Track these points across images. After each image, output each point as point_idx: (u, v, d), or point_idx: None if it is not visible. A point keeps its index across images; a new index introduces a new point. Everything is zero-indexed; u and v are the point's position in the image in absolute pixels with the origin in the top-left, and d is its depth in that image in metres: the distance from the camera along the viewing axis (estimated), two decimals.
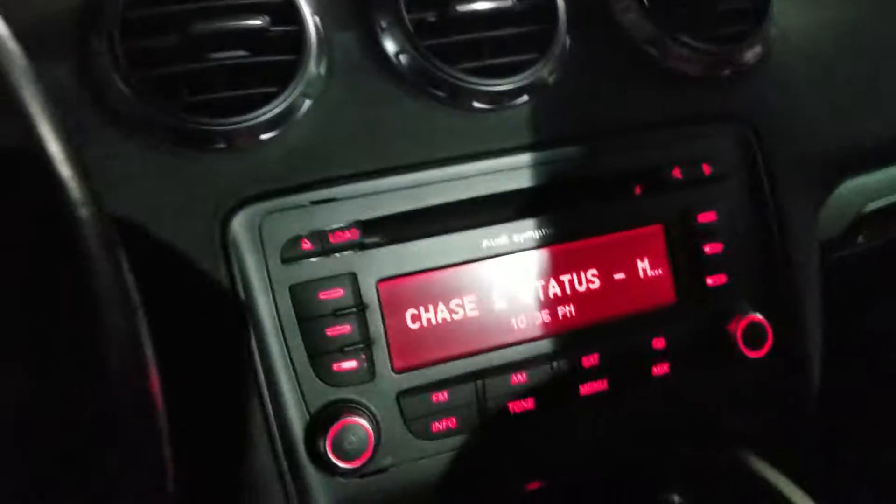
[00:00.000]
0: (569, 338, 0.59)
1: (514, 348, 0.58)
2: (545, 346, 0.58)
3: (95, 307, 0.30)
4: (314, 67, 0.55)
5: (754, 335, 0.60)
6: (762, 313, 0.61)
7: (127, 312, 0.31)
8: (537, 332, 0.58)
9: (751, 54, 0.65)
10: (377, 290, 0.55)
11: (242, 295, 0.52)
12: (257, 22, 0.53)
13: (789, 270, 0.64)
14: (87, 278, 0.30)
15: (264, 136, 0.53)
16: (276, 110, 0.53)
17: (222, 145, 0.53)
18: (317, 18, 0.56)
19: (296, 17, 0.55)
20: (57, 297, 0.30)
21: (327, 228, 0.54)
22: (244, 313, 0.53)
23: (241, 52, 0.53)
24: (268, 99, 0.53)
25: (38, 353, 0.30)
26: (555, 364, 0.58)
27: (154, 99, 0.51)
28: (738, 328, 0.60)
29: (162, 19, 0.52)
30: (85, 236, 0.30)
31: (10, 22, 0.32)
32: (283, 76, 0.53)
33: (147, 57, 0.52)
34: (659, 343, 0.60)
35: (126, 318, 0.31)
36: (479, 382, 0.57)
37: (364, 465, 0.53)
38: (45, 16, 0.53)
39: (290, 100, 0.53)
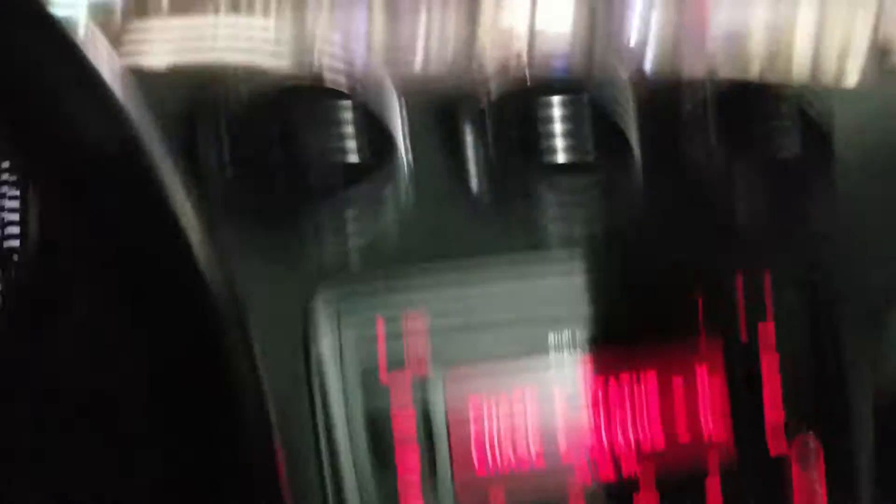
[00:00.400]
0: (622, 465, 0.59)
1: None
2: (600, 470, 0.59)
3: (234, 398, 0.32)
4: (403, 171, 0.54)
5: (807, 455, 0.61)
6: (814, 433, 0.62)
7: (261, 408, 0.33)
8: (591, 451, 0.58)
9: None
10: (443, 382, 0.55)
11: (315, 375, 0.52)
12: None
13: (843, 390, 0.65)
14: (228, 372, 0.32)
15: (350, 227, 0.53)
16: (363, 205, 0.52)
17: (310, 231, 0.52)
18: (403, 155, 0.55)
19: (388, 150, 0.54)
20: (198, 393, 0.31)
21: (400, 313, 0.54)
22: (315, 391, 0.53)
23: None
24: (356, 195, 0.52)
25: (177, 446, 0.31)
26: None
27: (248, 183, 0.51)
28: (792, 448, 0.61)
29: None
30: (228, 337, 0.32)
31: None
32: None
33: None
34: (713, 484, 0.60)
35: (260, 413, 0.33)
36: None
37: None
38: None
39: (377, 195, 0.53)
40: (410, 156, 0.55)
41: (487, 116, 0.56)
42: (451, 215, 0.56)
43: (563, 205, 0.58)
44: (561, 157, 0.57)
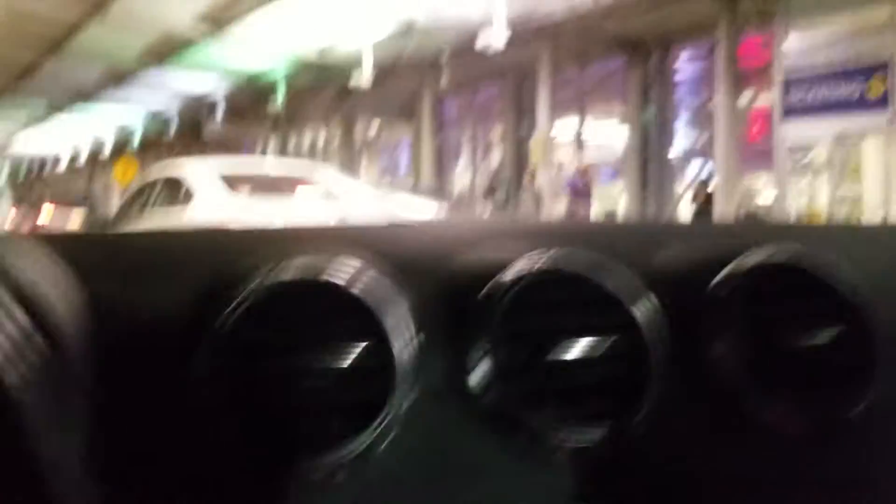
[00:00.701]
0: None
1: None
2: None
3: None
4: (398, 407, 0.53)
5: None
6: None
7: None
8: None
9: (855, 412, 0.61)
10: None
11: None
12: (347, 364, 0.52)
13: None
14: None
15: (340, 474, 0.52)
16: (356, 449, 0.51)
17: (300, 478, 0.52)
18: (408, 351, 0.54)
19: (387, 358, 0.53)
20: None
21: None
22: None
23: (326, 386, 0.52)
24: (349, 437, 0.51)
25: None
26: None
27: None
28: None
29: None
30: None
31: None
32: (368, 414, 0.52)
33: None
34: None
35: None
36: None
37: None
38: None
39: (369, 440, 0.51)
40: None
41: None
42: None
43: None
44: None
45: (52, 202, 15.90)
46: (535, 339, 0.56)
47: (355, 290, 0.52)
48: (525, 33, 12.18)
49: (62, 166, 33.49)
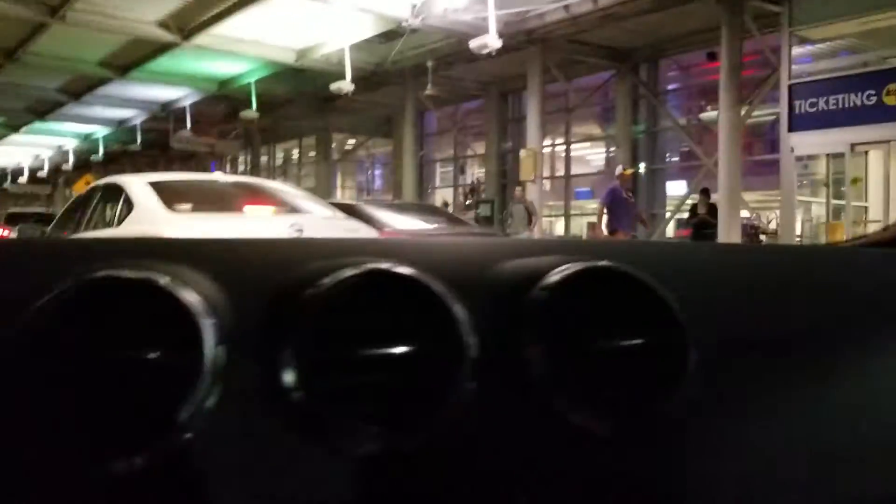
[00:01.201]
0: None
1: None
2: None
3: None
4: (203, 403, 0.54)
5: None
6: None
7: None
8: None
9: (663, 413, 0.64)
10: None
11: None
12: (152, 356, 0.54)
13: None
14: None
15: (147, 470, 0.52)
16: (162, 446, 0.53)
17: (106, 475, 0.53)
18: (220, 349, 0.55)
19: (196, 351, 0.54)
20: None
21: None
22: None
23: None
24: (152, 435, 0.52)
25: None
26: None
27: None
28: None
29: None
30: None
31: None
32: (171, 410, 0.53)
33: None
34: None
35: None
36: None
37: None
38: None
39: (170, 437, 0.53)
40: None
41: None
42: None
43: None
44: None
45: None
46: (346, 340, 0.59)
47: (170, 289, 0.54)
48: (514, 41, 11.57)
49: (24, 178, 32.52)
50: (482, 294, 0.63)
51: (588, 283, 0.63)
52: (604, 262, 0.65)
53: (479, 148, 18.31)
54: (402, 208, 8.59)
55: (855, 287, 0.82)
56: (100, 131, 25.69)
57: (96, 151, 26.38)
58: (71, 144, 27.70)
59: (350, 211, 7.75)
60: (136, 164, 25.27)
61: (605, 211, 9.04)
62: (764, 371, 0.71)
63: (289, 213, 5.32)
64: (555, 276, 0.63)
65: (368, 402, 0.58)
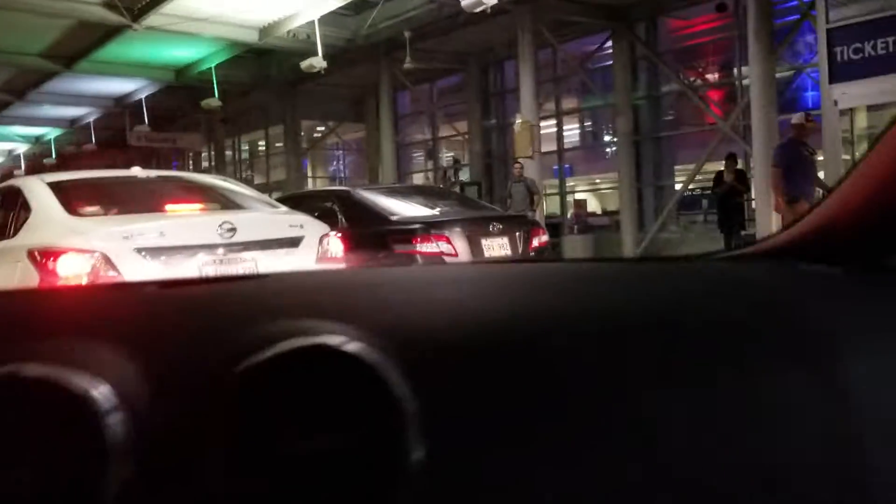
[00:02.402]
0: None
1: None
2: None
3: None
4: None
5: None
6: None
7: None
8: None
9: None
10: None
11: None
12: None
13: None
14: None
15: None
16: None
17: None
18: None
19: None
20: None
21: None
22: None
23: None
24: None
25: None
26: None
27: None
28: None
29: None
30: None
31: None
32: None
33: None
34: None
35: None
36: None
37: None
38: None
39: None
40: None
41: None
42: None
43: None
44: None
45: None
46: None
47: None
48: (501, 2, 10.30)
49: None
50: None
51: (289, 368, 0.54)
52: (309, 341, 0.54)
53: (458, 128, 17.09)
54: (404, 192, 7.28)
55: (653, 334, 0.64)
56: (51, 132, 24.35)
57: (49, 155, 24.96)
58: (21, 149, 26.22)
59: (345, 199, 6.57)
60: (94, 165, 23.79)
61: (781, 174, 6.90)
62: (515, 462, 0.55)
63: (220, 210, 4.61)
64: (250, 361, 0.53)
65: None
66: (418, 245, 5.62)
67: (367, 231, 5.90)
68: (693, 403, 0.59)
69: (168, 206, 4.49)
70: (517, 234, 6.19)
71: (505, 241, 6.00)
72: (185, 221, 4.31)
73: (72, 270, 3.61)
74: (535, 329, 0.61)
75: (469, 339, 0.59)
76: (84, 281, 3.54)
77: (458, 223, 5.94)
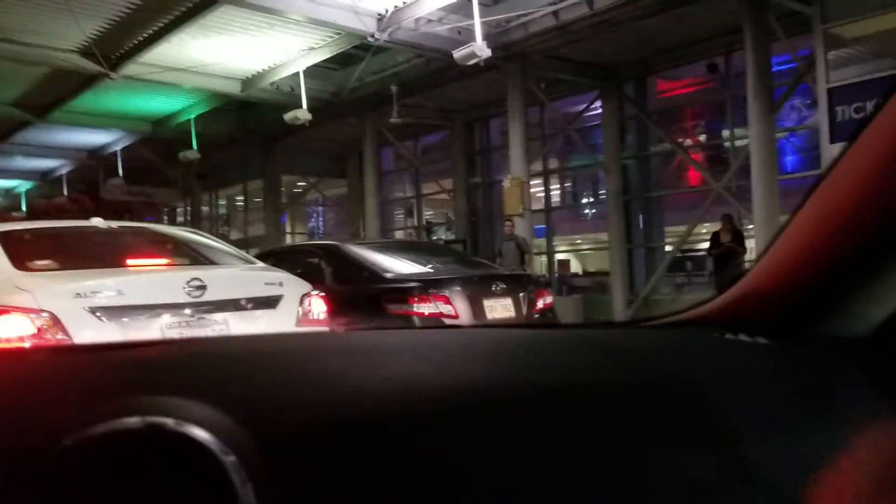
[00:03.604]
0: None
1: None
2: None
3: None
4: None
5: None
6: None
7: None
8: None
9: None
10: None
11: None
12: None
13: None
14: None
15: None
16: None
17: None
18: None
19: None
20: None
21: None
22: None
23: None
24: None
25: None
26: None
27: None
28: None
29: None
30: None
31: None
32: None
33: None
34: None
35: None
36: None
37: None
38: None
39: None
40: None
41: None
42: None
43: None
44: None
45: None
46: None
47: None
48: (493, 58, 10.05)
49: None
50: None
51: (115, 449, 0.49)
52: (141, 420, 0.49)
53: (443, 185, 16.79)
54: (397, 248, 6.77)
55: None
56: (22, 185, 23.75)
57: (19, 208, 24.35)
58: None
59: (333, 254, 6.06)
60: (65, 218, 23.25)
61: None
62: None
63: (189, 266, 4.17)
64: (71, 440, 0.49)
65: None
66: (415, 305, 5.08)
67: (358, 289, 5.42)
68: (571, 481, 0.55)
69: (130, 261, 4.03)
70: (521, 294, 5.71)
71: (508, 301, 5.51)
72: (148, 278, 3.84)
73: (13, 332, 3.08)
74: (407, 404, 0.56)
75: (338, 418, 0.53)
76: (27, 344, 3.00)
77: (459, 281, 5.46)
